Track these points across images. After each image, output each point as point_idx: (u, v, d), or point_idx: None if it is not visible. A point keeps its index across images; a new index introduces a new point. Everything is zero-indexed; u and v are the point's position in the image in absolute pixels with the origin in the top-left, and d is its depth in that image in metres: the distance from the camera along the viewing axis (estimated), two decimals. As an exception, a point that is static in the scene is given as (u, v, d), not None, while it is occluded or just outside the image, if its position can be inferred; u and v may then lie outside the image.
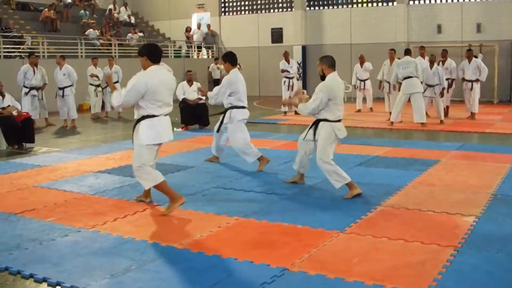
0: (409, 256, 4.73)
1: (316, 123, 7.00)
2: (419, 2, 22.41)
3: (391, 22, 22.53)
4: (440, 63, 15.06)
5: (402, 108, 13.50)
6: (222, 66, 23.93)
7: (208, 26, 26.91)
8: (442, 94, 14.06)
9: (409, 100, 13.37)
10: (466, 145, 10.53)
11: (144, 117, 6.17)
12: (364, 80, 17.21)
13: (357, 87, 17.20)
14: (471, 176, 7.82)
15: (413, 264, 4.55)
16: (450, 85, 15.18)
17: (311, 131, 7.06)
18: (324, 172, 6.91)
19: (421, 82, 13.54)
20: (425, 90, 13.81)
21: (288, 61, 16.63)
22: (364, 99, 17.38)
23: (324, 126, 6.90)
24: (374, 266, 4.53)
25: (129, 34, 24.25)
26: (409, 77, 13.11)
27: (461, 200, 6.53)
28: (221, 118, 8.65)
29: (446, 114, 15.07)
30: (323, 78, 6.98)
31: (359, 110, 17.01)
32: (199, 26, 27.04)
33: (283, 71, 16.53)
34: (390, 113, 14.38)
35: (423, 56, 14.68)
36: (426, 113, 14.68)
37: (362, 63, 17.29)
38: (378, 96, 19.19)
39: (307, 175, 7.76)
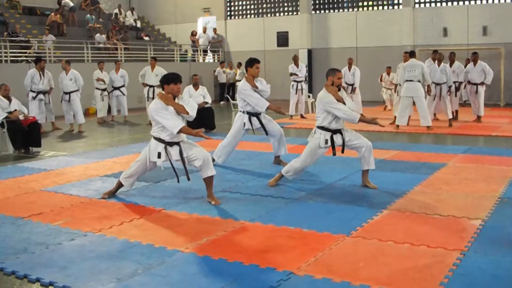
0: (415, 260, 4.73)
1: (338, 131, 7.31)
2: (425, 5, 22.35)
3: (397, 25, 22.48)
4: (448, 65, 15.00)
5: (410, 111, 13.47)
6: (228, 70, 24.12)
7: (215, 30, 26.94)
8: (449, 92, 14.05)
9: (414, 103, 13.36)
10: (472, 148, 10.50)
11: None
12: (351, 84, 16.61)
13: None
14: (478, 179, 7.81)
15: (420, 268, 4.54)
16: (457, 89, 15.13)
17: (338, 137, 7.33)
18: (371, 154, 7.35)
19: (428, 85, 13.56)
20: (430, 89, 13.87)
21: (297, 65, 16.58)
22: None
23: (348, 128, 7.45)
24: (381, 270, 4.53)
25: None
26: (411, 80, 13.11)
27: (467, 204, 6.52)
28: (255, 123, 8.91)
29: (455, 117, 15.07)
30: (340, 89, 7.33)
31: None
32: (204, 30, 27.07)
33: (291, 74, 16.48)
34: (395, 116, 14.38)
35: (434, 60, 14.58)
36: (435, 116, 14.67)
37: (350, 67, 16.73)
38: (376, 99, 19.20)
39: (313, 179, 7.82)
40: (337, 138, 7.28)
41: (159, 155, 6.74)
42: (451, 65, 15.02)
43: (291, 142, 11.10)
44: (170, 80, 6.64)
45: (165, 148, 6.71)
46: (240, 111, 8.92)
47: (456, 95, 15.14)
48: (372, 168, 7.44)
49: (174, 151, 6.72)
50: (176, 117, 6.60)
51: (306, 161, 7.44)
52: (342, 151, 7.40)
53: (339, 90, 7.29)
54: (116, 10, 26.44)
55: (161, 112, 6.58)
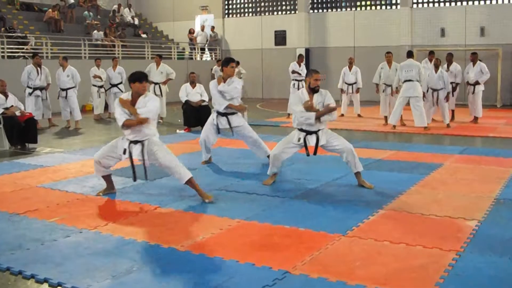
0: (411, 260, 4.72)
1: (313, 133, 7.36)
2: (422, 6, 22.39)
3: (394, 25, 22.52)
4: (445, 66, 14.99)
5: (401, 110, 13.46)
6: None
7: (212, 28, 26.90)
8: (447, 99, 14.02)
9: (408, 104, 13.32)
10: (469, 149, 10.50)
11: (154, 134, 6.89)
12: (351, 84, 16.69)
13: (344, 91, 16.81)
14: (474, 180, 7.81)
15: (415, 268, 4.54)
16: (454, 89, 15.11)
17: (313, 138, 7.37)
18: (355, 156, 7.33)
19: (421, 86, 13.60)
20: (427, 94, 13.84)
21: (299, 64, 16.65)
22: (351, 104, 16.97)
23: (324, 131, 7.40)
24: (376, 269, 4.52)
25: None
26: (409, 80, 13.09)
27: (464, 204, 6.51)
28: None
29: (452, 117, 15.04)
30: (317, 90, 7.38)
31: (342, 115, 16.48)
32: (202, 28, 27.05)
33: (293, 72, 16.42)
34: (385, 117, 14.35)
35: (430, 61, 14.58)
36: (432, 118, 14.65)
37: (351, 66, 16.80)
38: (371, 99, 19.23)
39: (309, 179, 7.83)
40: (311, 139, 7.36)
41: (124, 151, 6.85)
42: (448, 66, 15.01)
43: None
44: (136, 78, 6.72)
45: (129, 145, 6.81)
46: (212, 109, 9.11)
47: (453, 95, 15.11)
48: (360, 170, 7.45)
49: (135, 150, 6.79)
50: (125, 114, 6.71)
51: (279, 147, 7.55)
52: (314, 153, 7.45)
53: (316, 91, 7.36)
54: (116, 7, 26.39)
55: (116, 108, 6.80)
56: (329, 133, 7.42)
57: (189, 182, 6.79)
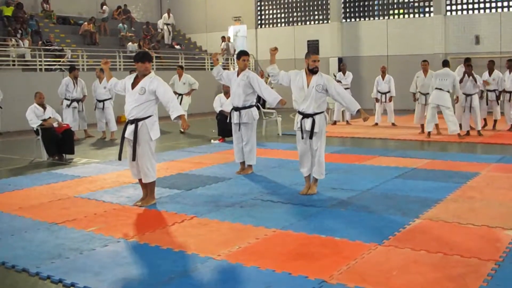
0: (449, 269, 4.68)
1: (309, 116, 7.40)
2: (456, 13, 22.18)
3: (428, 33, 22.34)
4: (486, 74, 14.79)
5: (435, 116, 13.40)
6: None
7: (228, 38, 26.83)
8: (482, 97, 13.90)
9: (440, 112, 13.30)
10: (506, 157, 10.35)
11: (149, 116, 7.04)
12: (385, 93, 16.62)
13: (378, 99, 16.73)
14: (512, 189, 7.71)
15: (454, 277, 4.49)
16: (498, 97, 14.87)
17: (308, 124, 7.41)
18: (321, 166, 7.44)
19: (457, 96, 13.55)
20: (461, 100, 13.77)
21: (344, 73, 17.30)
22: (385, 113, 16.94)
23: (322, 117, 7.43)
24: (414, 278, 4.49)
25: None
26: (440, 89, 13.01)
27: (502, 213, 6.43)
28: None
29: (494, 126, 14.88)
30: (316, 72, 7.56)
31: (376, 124, 16.53)
32: (228, 39, 27.04)
33: (337, 81, 16.57)
34: (422, 125, 14.23)
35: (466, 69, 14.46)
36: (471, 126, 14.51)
37: (383, 75, 16.72)
38: (405, 108, 19.06)
39: (345, 188, 7.79)
40: (307, 123, 7.38)
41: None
42: (490, 74, 14.77)
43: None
44: (138, 59, 7.12)
45: (126, 125, 7.16)
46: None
47: (498, 103, 14.88)
48: (317, 178, 7.60)
49: (129, 129, 7.08)
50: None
51: (298, 147, 7.60)
52: (310, 137, 7.40)
53: (315, 72, 7.53)
54: (165, 15, 26.92)
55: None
56: (320, 131, 7.38)
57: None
